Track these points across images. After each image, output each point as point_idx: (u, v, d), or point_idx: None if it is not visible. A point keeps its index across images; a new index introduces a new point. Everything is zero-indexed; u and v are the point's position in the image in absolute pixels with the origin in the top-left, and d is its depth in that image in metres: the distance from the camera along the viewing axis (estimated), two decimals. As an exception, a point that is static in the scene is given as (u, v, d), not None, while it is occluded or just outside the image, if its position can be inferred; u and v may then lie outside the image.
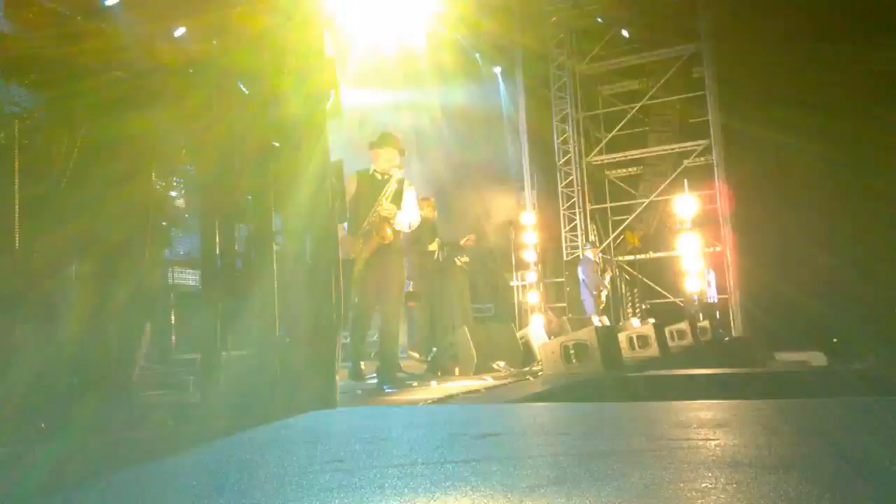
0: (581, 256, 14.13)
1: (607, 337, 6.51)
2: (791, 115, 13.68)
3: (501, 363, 6.56)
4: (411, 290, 8.10)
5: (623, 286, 17.14)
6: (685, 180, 15.20)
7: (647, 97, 16.55)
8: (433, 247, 9.15)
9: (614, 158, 17.02)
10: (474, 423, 3.07)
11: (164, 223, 4.90)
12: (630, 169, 17.63)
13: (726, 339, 13.05)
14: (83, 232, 3.34)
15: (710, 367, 7.32)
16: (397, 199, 5.66)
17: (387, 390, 5.27)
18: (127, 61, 3.67)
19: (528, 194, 15.95)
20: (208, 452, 2.52)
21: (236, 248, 3.79)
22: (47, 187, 3.11)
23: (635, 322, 13.02)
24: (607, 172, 17.70)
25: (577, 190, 16.43)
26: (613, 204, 17.30)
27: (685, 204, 14.74)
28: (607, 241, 16.85)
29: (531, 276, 14.47)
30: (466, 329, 6.77)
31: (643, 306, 16.94)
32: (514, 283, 14.53)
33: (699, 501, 1.34)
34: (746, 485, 1.48)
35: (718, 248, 15.05)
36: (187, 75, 3.78)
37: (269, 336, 3.54)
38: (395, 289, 5.69)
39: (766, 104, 14.31)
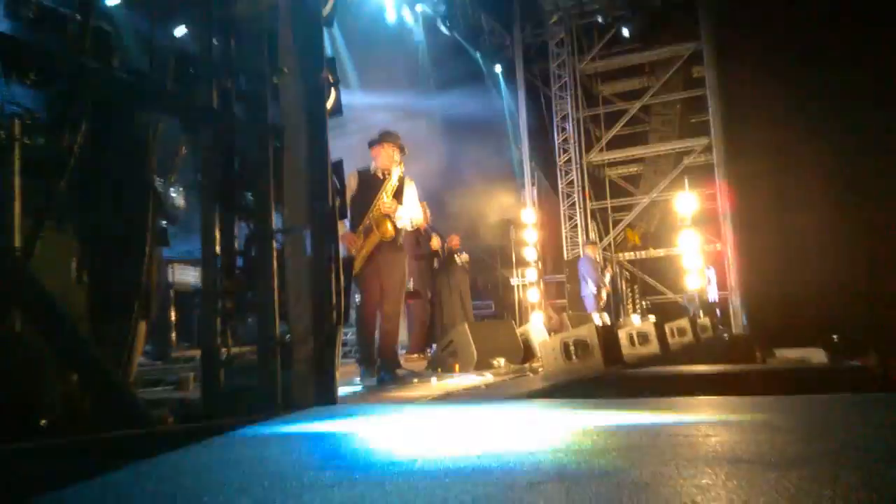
0: (581, 254, 14.14)
1: (608, 334, 6.51)
2: (792, 114, 13.69)
3: (501, 360, 6.57)
4: (411, 288, 8.11)
5: (623, 284, 17.16)
6: (686, 178, 15.22)
7: (647, 96, 16.57)
8: (435, 243, 9.17)
9: (615, 157, 17.05)
10: (474, 419, 3.07)
11: (163, 223, 4.90)
12: (630, 167, 17.66)
13: (726, 336, 13.05)
14: (83, 231, 3.34)
15: (711, 364, 7.32)
16: (398, 195, 5.67)
17: (387, 386, 5.27)
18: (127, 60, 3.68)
19: (529, 192, 15.97)
20: (208, 450, 2.52)
21: (236, 245, 3.80)
22: (47, 186, 3.11)
23: (636, 319, 13.04)
24: (608, 171, 17.72)
25: (578, 188, 16.45)
26: (614, 202, 17.32)
27: (686, 202, 14.74)
28: (608, 239, 16.87)
29: (532, 273, 14.48)
30: (467, 326, 6.78)
31: (644, 304, 16.96)
32: (514, 280, 14.54)
33: (699, 497, 1.35)
34: (747, 481, 1.48)
35: (719, 246, 15.07)
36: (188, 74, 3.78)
37: (269, 333, 3.55)
38: (396, 286, 5.69)
39: (766, 103, 14.31)
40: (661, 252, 16.71)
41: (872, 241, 13.21)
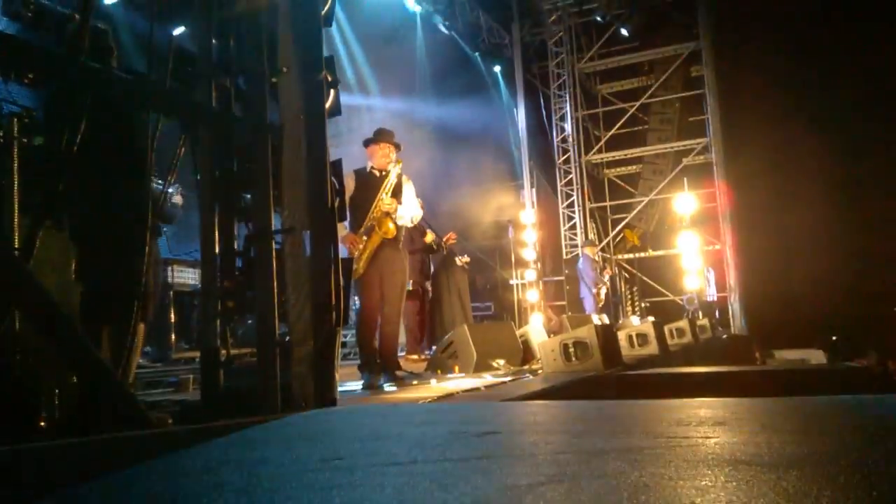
0: (580, 255, 14.14)
1: (607, 335, 6.52)
2: (790, 113, 13.70)
3: (501, 361, 6.57)
4: (409, 288, 8.11)
5: (622, 284, 17.16)
6: (684, 178, 15.24)
7: (646, 95, 16.57)
8: (429, 238, 9.18)
9: (614, 157, 17.05)
10: (474, 421, 3.07)
11: (162, 226, 4.90)
12: (629, 167, 17.66)
13: (725, 336, 13.07)
14: (81, 230, 3.34)
15: (710, 365, 7.33)
16: (397, 193, 5.65)
17: (386, 388, 5.27)
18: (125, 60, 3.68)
19: (528, 193, 15.96)
20: (208, 451, 2.52)
21: (236, 246, 3.79)
22: (46, 186, 3.10)
23: (635, 320, 13.06)
24: (606, 171, 17.73)
25: (577, 188, 16.44)
26: (613, 202, 17.33)
27: (684, 202, 14.75)
28: (607, 240, 16.87)
29: (531, 274, 14.48)
30: (466, 328, 6.78)
31: (643, 304, 16.97)
32: (513, 281, 14.54)
33: (698, 499, 1.34)
34: (745, 482, 1.48)
35: (718, 247, 15.06)
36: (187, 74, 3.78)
37: (268, 334, 3.55)
38: (397, 289, 5.68)
39: (765, 102, 14.33)
40: (660, 253, 16.72)
41: (872, 242, 13.23)
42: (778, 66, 14.31)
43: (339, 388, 3.83)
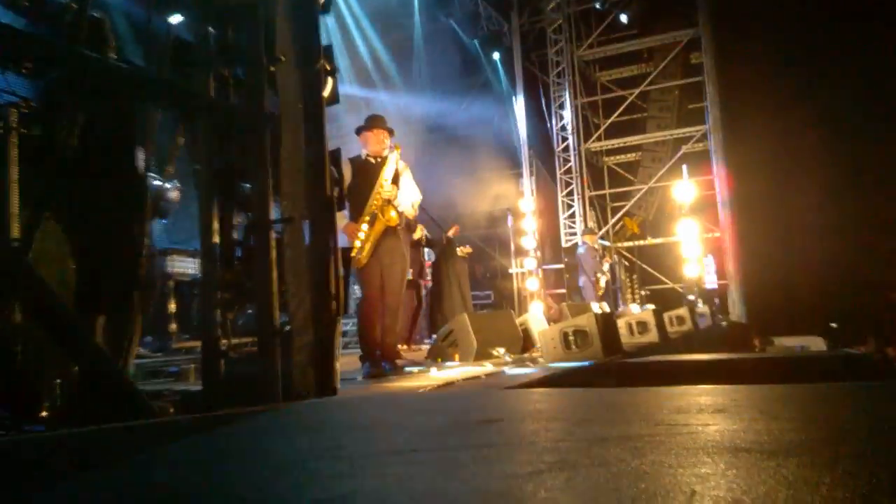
0: (580, 243, 14.14)
1: (606, 323, 6.53)
2: (790, 100, 13.66)
3: (501, 350, 6.58)
4: (410, 277, 8.12)
5: (622, 272, 17.17)
6: (684, 166, 15.20)
7: (645, 83, 16.50)
8: (418, 234, 9.19)
9: (613, 145, 17.01)
10: (474, 409, 3.08)
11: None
12: (629, 155, 17.62)
13: (724, 324, 13.08)
14: (78, 222, 3.33)
15: (709, 353, 7.34)
16: (396, 180, 5.61)
17: (387, 377, 5.27)
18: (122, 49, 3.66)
19: (527, 181, 15.93)
20: (209, 441, 2.53)
21: (235, 236, 3.79)
22: (45, 176, 3.10)
23: (634, 308, 13.07)
24: (606, 159, 17.69)
25: (576, 176, 16.40)
26: (612, 190, 17.30)
27: (684, 190, 14.73)
28: (606, 228, 16.86)
29: (530, 262, 14.48)
30: (466, 316, 6.78)
31: (642, 292, 16.98)
32: (512, 270, 14.54)
33: (698, 487, 1.35)
34: (745, 470, 1.49)
35: (717, 234, 15.06)
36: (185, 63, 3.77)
37: (269, 324, 3.55)
38: (397, 278, 5.66)
39: (764, 89, 14.29)
40: (659, 241, 16.71)
41: (871, 228, 13.22)
42: (777, 54, 14.26)
43: (340, 378, 3.83)
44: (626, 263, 17.50)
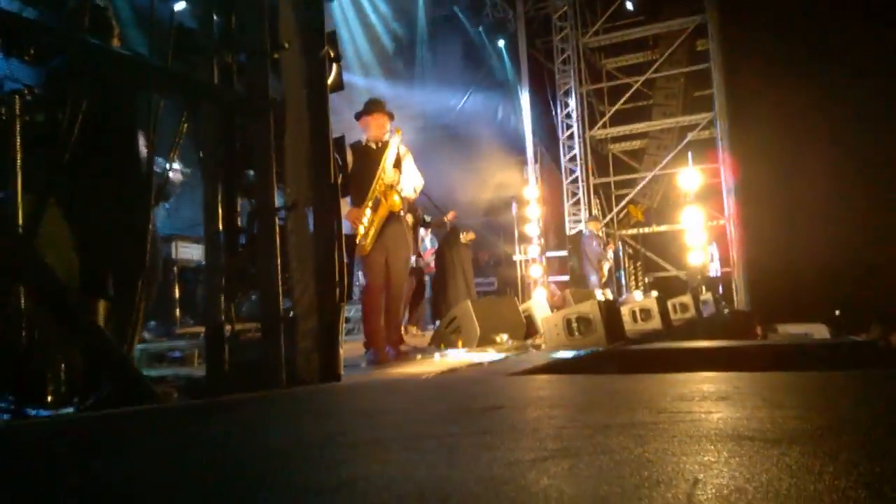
0: (584, 230, 14.12)
1: (610, 310, 6.53)
2: (796, 87, 13.57)
3: (504, 336, 6.59)
4: (413, 264, 8.13)
5: (626, 260, 17.15)
6: (689, 154, 15.14)
7: (651, 70, 16.41)
8: (409, 220, 9.18)
9: (618, 132, 16.94)
10: (477, 396, 3.08)
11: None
12: (634, 143, 17.57)
13: (728, 311, 13.07)
14: (83, 209, 3.34)
15: (713, 340, 7.34)
16: (397, 164, 5.58)
17: (391, 363, 5.28)
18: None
19: (532, 168, 15.88)
20: (213, 426, 2.54)
21: (239, 222, 3.79)
22: (49, 162, 3.10)
23: (638, 295, 13.05)
24: (611, 146, 17.63)
25: (581, 164, 16.35)
26: (617, 178, 17.26)
27: (689, 177, 14.69)
28: (611, 216, 16.82)
29: (534, 250, 14.47)
30: (469, 303, 6.79)
31: (646, 280, 16.97)
32: (516, 257, 14.54)
33: (701, 475, 1.35)
34: (748, 458, 1.49)
35: (722, 222, 15.02)
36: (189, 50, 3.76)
37: (273, 310, 3.56)
38: (401, 264, 5.65)
39: (770, 77, 14.20)
40: (663, 228, 16.68)
41: (876, 216, 13.16)
42: (784, 40, 14.15)
43: (344, 364, 3.84)
44: (630, 251, 17.48)
